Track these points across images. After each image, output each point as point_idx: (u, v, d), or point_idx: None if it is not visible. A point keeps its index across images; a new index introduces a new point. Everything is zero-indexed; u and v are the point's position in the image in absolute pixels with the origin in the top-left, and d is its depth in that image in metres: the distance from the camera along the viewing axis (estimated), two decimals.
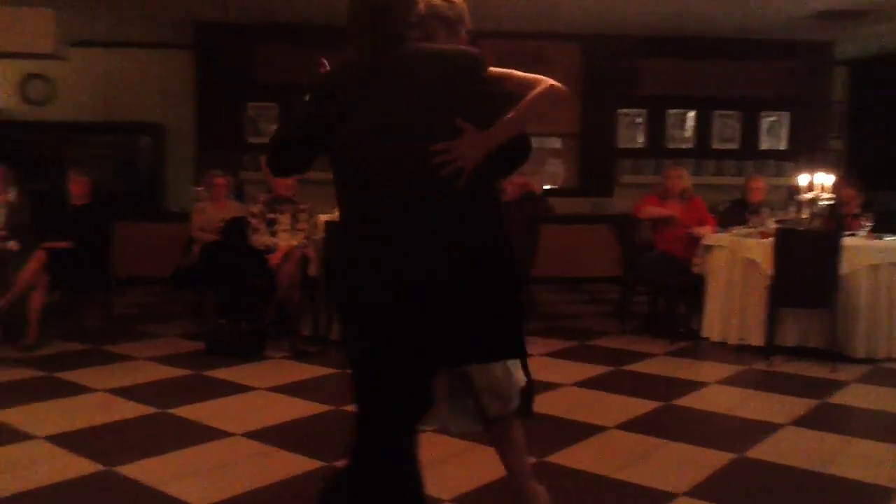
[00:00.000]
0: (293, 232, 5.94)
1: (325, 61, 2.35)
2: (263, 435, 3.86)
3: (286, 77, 9.27)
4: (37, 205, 6.66)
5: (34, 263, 5.72)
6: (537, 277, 7.26)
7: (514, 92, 2.21)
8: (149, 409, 4.30)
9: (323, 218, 6.04)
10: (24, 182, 6.93)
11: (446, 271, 2.06)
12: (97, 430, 3.99)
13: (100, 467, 3.42)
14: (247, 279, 5.82)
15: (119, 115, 9.92)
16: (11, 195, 6.35)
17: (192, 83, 9.51)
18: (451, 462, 3.55)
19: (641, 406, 4.43)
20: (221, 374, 5.08)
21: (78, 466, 3.45)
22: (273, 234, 5.90)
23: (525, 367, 2.41)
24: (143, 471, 3.38)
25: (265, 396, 4.62)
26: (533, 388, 2.54)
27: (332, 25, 9.04)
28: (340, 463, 2.28)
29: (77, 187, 6.31)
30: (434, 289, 2.06)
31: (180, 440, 3.79)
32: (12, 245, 6.08)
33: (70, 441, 3.76)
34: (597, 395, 4.70)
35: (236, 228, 6.01)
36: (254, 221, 5.94)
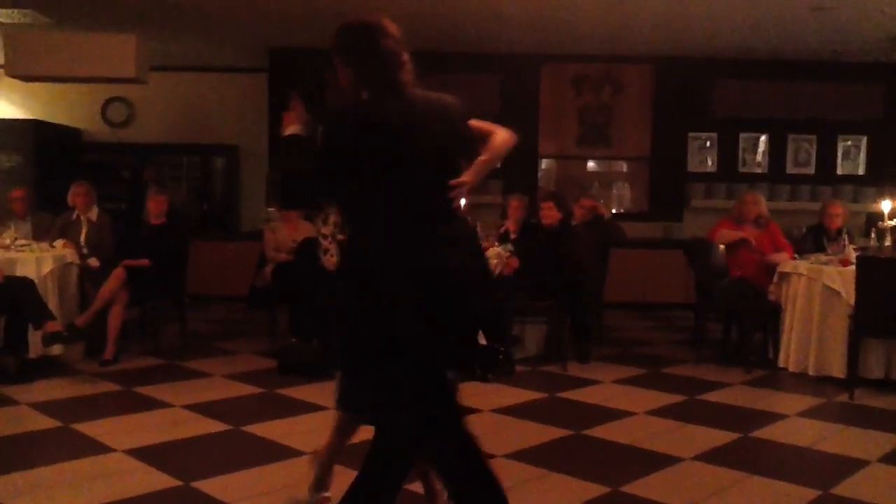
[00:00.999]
0: None
1: (296, 96, 2.67)
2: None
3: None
4: (117, 223, 6.88)
5: (114, 280, 5.89)
6: (608, 303, 7.18)
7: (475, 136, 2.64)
8: (223, 426, 4.36)
9: None
10: (104, 201, 7.18)
11: (466, 269, 2.46)
12: (174, 444, 4.06)
13: (178, 482, 3.48)
14: (318, 299, 5.88)
15: (196, 137, 10.21)
16: (93, 214, 6.58)
17: (266, 106, 9.73)
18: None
19: (718, 437, 4.31)
20: (293, 392, 5.13)
21: (157, 480, 3.52)
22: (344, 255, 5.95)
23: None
24: (219, 487, 3.42)
25: (336, 416, 4.63)
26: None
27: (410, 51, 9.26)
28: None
29: (155, 206, 6.49)
30: (464, 288, 2.44)
31: (254, 458, 3.83)
32: (93, 262, 6.29)
33: (148, 455, 3.83)
34: (671, 424, 4.59)
35: (308, 249, 6.08)
36: (325, 242, 5.97)
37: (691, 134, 9.76)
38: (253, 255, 7.14)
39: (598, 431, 4.38)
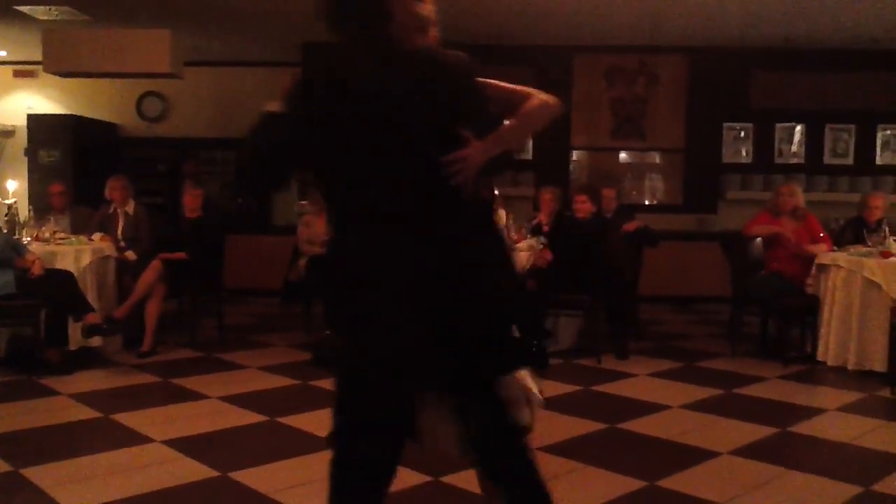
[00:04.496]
0: None
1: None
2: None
3: None
4: (153, 217, 6.97)
5: (151, 273, 5.97)
6: (642, 296, 7.13)
7: (502, 100, 2.18)
8: (260, 417, 4.41)
9: None
10: (141, 195, 7.27)
11: (456, 278, 2.00)
12: (212, 436, 4.11)
13: (216, 473, 3.52)
14: None
15: (229, 131, 10.28)
16: (130, 207, 6.67)
17: None
18: None
19: (756, 432, 4.26)
20: (327, 384, 5.13)
21: (195, 471, 3.56)
22: None
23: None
24: (256, 478, 3.46)
25: None
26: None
27: (445, 44, 9.25)
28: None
29: (191, 200, 6.56)
30: (448, 299, 2.00)
31: (290, 449, 3.87)
32: (130, 255, 6.38)
33: (186, 446, 3.88)
34: (708, 418, 4.55)
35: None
36: None
37: (726, 125, 9.63)
38: (286, 249, 7.19)
39: (634, 425, 4.35)
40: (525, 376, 2.24)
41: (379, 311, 2.00)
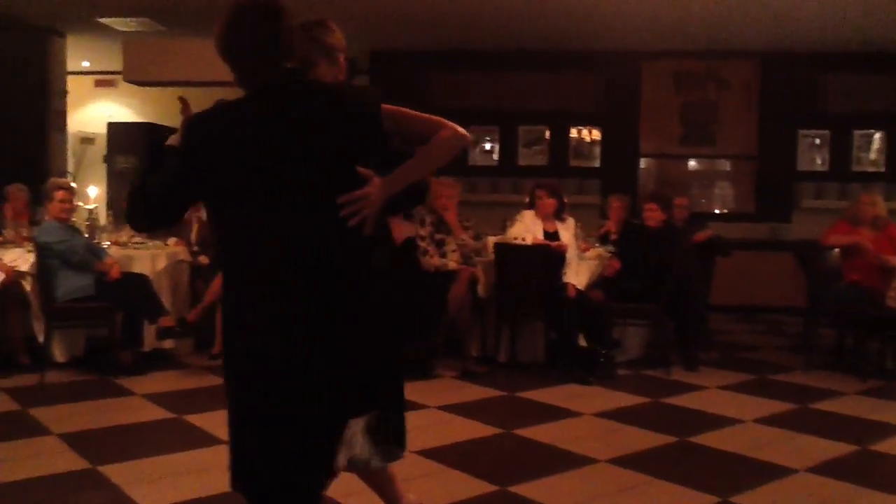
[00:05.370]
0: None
1: (186, 102, 2.28)
2: (437, 454, 3.90)
3: (454, 101, 9.54)
4: None
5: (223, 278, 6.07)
6: (713, 306, 6.98)
7: (411, 132, 2.10)
8: None
9: (492, 239, 6.08)
10: None
11: (342, 315, 1.99)
12: None
13: None
14: (418, 298, 5.92)
15: None
16: (202, 213, 6.81)
17: None
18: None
19: (833, 449, 4.11)
20: None
21: None
22: (443, 255, 5.97)
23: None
24: None
25: (436, 415, 4.67)
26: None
27: (500, 50, 9.27)
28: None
29: None
30: (335, 335, 1.99)
31: None
32: (203, 259, 6.51)
33: None
34: (782, 433, 4.42)
35: (409, 248, 6.14)
36: (423, 244, 6.04)
37: (801, 131, 9.37)
38: None
39: (704, 439, 4.25)
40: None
41: (260, 356, 2.00)
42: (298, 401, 2.01)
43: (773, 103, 9.30)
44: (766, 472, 3.74)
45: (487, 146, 9.84)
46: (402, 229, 6.30)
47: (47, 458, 3.79)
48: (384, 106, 2.06)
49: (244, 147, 1.97)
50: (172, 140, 2.14)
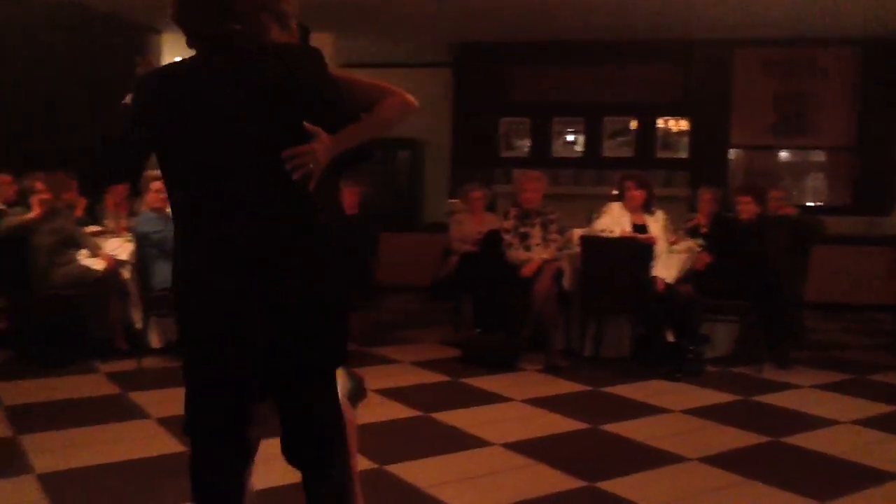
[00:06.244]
0: (545, 244, 5.94)
1: (149, 59, 2.26)
2: (523, 447, 3.89)
3: (537, 93, 9.49)
4: None
5: None
6: (807, 302, 6.74)
7: (361, 97, 2.16)
8: (413, 412, 4.49)
9: (577, 232, 6.02)
10: None
11: (284, 274, 2.02)
12: (367, 427, 4.18)
13: (374, 465, 3.61)
14: (502, 291, 5.92)
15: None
16: None
17: (450, 100, 9.91)
18: None
19: None
20: (477, 382, 5.20)
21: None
22: (527, 248, 5.93)
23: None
24: (412, 472, 3.52)
25: (521, 408, 4.66)
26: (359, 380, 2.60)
27: (584, 42, 9.15)
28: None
29: (350, 198, 6.77)
30: (277, 295, 2.02)
31: (444, 445, 3.92)
32: None
33: None
34: (882, 436, 4.23)
35: (493, 241, 6.14)
36: (507, 237, 6.02)
37: None
38: (435, 246, 7.29)
39: (799, 440, 4.11)
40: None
41: (210, 306, 2.05)
42: (241, 361, 2.08)
43: (875, 92, 8.91)
44: (867, 477, 3.59)
45: (570, 137, 9.75)
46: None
47: (145, 440, 3.94)
48: (334, 72, 2.13)
49: (190, 104, 2.02)
50: (127, 99, 2.18)
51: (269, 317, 2.05)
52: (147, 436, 4.02)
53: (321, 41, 8.07)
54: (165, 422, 4.19)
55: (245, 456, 2.26)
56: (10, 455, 3.64)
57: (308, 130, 2.02)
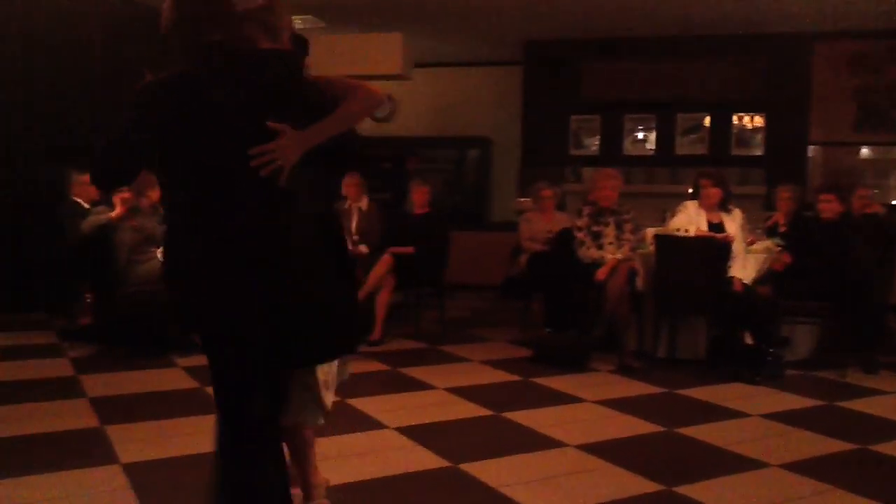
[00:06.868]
0: (619, 244, 5.86)
1: (148, 74, 2.36)
2: (597, 449, 3.83)
3: (609, 90, 9.36)
4: (383, 212, 7.30)
5: (382, 266, 6.26)
6: (893, 305, 6.48)
7: (331, 95, 2.27)
8: (485, 411, 4.48)
9: (651, 231, 5.92)
10: (371, 192, 7.64)
11: (275, 271, 2.16)
12: (440, 426, 4.23)
13: (446, 463, 3.61)
14: (574, 290, 5.86)
15: (451, 130, 10.60)
16: (364, 203, 7.03)
17: (520, 98, 9.87)
18: None
19: None
20: (548, 382, 5.16)
21: (426, 460, 3.67)
22: (599, 247, 5.86)
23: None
24: (486, 471, 3.50)
25: (594, 409, 4.60)
26: None
27: (657, 37, 8.99)
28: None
29: (419, 196, 6.80)
30: (269, 289, 2.16)
31: (517, 445, 3.89)
32: (363, 249, 6.72)
33: (417, 434, 4.02)
34: None
35: (565, 240, 6.08)
36: (580, 235, 5.95)
37: None
38: (503, 245, 7.26)
39: (891, 448, 3.95)
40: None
41: (204, 292, 2.19)
42: (241, 359, 2.25)
43: None
44: None
45: (640, 135, 9.59)
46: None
47: None
48: (315, 77, 2.35)
49: (191, 105, 2.16)
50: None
51: (270, 316, 2.19)
52: None
53: (391, 41, 8.20)
54: None
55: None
56: (96, 445, 3.76)
57: (272, 129, 2.14)
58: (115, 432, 3.94)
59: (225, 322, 2.22)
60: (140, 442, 3.82)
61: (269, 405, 2.33)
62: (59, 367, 5.32)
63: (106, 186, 3.75)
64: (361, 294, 6.18)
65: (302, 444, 2.80)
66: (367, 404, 4.55)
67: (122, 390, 4.81)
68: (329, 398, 2.75)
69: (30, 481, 3.28)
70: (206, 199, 2.17)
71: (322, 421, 2.81)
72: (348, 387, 4.86)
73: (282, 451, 2.44)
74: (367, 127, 9.91)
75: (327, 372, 2.70)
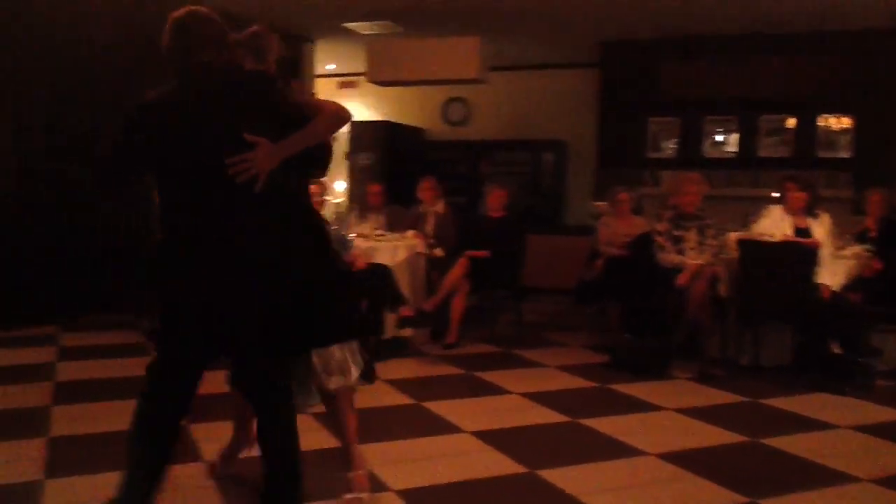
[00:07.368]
0: (701, 249, 5.73)
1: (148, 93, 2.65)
2: (678, 458, 3.75)
3: (689, 91, 9.16)
4: (458, 216, 7.32)
5: (458, 270, 6.27)
6: None
7: (310, 113, 2.59)
8: (561, 417, 4.44)
9: (734, 236, 5.77)
10: (446, 195, 7.67)
11: (258, 270, 2.50)
12: (517, 431, 4.21)
13: (523, 469, 3.59)
14: (653, 296, 5.76)
15: (526, 133, 10.56)
16: (440, 207, 7.05)
17: (595, 100, 9.76)
18: None
19: None
20: (626, 388, 5.08)
21: (503, 465, 3.66)
22: (680, 252, 5.74)
23: (364, 345, 3.00)
24: (564, 478, 3.47)
25: (674, 418, 4.51)
26: (373, 359, 3.11)
27: (738, 35, 8.76)
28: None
29: (495, 200, 6.79)
30: (252, 285, 2.50)
31: (595, 452, 3.84)
32: (438, 252, 6.74)
33: (494, 439, 4.01)
34: None
35: (644, 244, 5.98)
36: (660, 239, 5.85)
37: None
38: (579, 249, 7.18)
39: None
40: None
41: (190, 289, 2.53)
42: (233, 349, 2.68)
43: None
44: None
45: (720, 137, 9.37)
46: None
47: (303, 435, 4.07)
48: (294, 96, 2.79)
49: (192, 110, 2.48)
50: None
51: (269, 315, 2.55)
52: (307, 430, 4.13)
53: (467, 45, 8.22)
54: (320, 418, 4.32)
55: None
56: (182, 442, 3.87)
57: (248, 140, 2.44)
58: (197, 431, 4.05)
59: (224, 322, 2.56)
60: (222, 440, 3.90)
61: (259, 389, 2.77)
62: (143, 367, 5.48)
63: (111, 189, 4.18)
64: (437, 298, 6.23)
65: (337, 412, 3.08)
66: (442, 408, 4.56)
67: (204, 389, 4.92)
68: (334, 382, 2.96)
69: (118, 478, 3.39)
70: (206, 199, 2.48)
71: (313, 402, 3.10)
72: (425, 390, 4.93)
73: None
74: (443, 131, 10.05)
75: (326, 358, 2.92)
